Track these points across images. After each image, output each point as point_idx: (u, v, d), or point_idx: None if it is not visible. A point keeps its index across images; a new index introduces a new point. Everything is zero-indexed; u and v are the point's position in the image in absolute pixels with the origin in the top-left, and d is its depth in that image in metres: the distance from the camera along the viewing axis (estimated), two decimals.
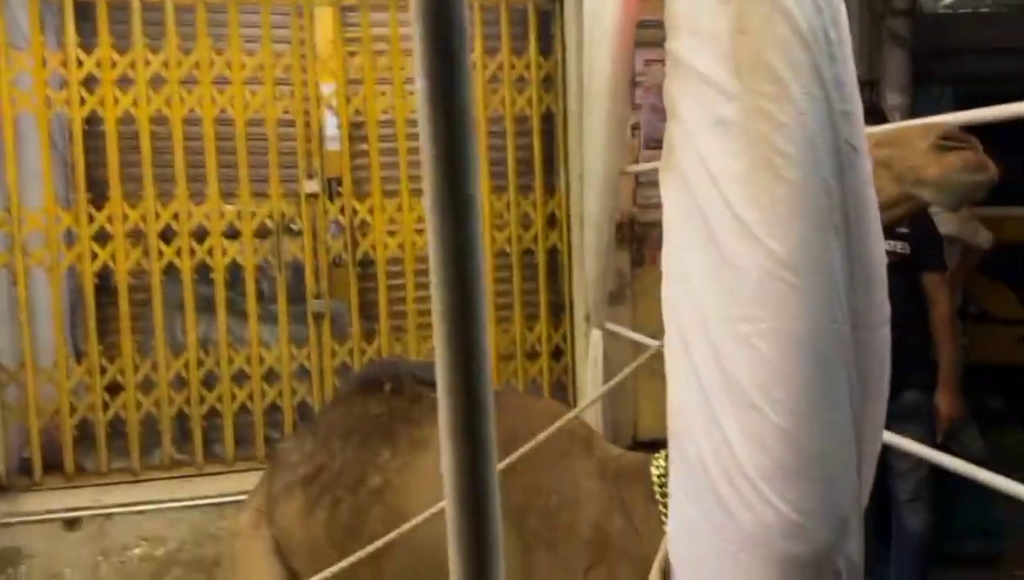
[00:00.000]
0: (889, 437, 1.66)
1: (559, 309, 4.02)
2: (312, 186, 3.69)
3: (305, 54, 3.67)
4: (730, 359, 0.98)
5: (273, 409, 3.72)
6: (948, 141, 1.47)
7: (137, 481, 3.55)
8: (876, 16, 3.83)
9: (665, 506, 1.87)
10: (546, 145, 3.96)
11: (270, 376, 3.71)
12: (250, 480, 3.54)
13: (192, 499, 3.37)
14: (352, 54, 3.74)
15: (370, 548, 1.61)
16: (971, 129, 1.56)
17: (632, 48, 3.11)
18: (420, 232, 3.81)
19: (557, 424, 1.84)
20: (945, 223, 3.05)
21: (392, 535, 1.67)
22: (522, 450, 1.76)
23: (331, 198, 3.76)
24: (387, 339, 3.79)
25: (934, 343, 2.96)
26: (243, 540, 2.48)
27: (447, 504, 0.48)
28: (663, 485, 1.89)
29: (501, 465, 1.80)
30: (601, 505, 1.93)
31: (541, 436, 1.79)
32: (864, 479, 1.04)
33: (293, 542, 2.38)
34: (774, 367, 0.94)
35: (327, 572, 1.42)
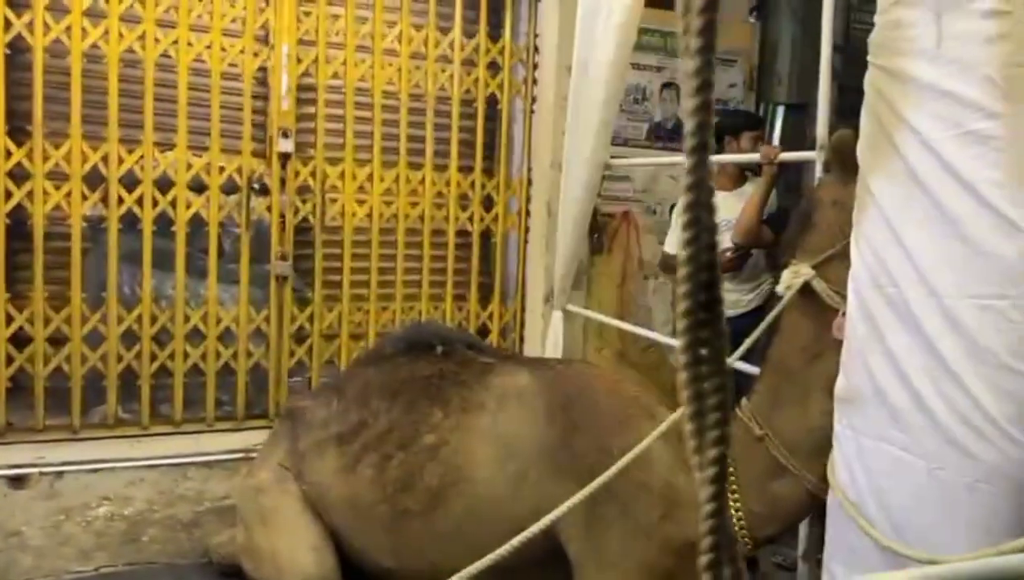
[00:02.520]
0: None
1: (506, 290, 4.17)
2: (286, 145, 3.61)
3: (278, 12, 3.59)
4: (975, 328, 1.22)
5: (225, 370, 3.62)
6: None
7: (76, 439, 3.34)
8: (815, 51, 4.30)
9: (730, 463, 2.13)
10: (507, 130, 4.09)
11: (225, 337, 3.61)
12: (203, 442, 3.47)
13: (148, 459, 3.23)
14: (335, 17, 3.70)
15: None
16: None
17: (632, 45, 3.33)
18: (388, 203, 3.84)
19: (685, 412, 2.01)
20: None
21: None
22: (644, 443, 1.92)
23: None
24: (348, 307, 3.79)
25: None
26: (271, 496, 2.48)
27: None
28: None
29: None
30: (668, 462, 2.15)
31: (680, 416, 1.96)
32: None
33: (329, 497, 2.42)
34: None
35: None
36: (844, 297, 1.82)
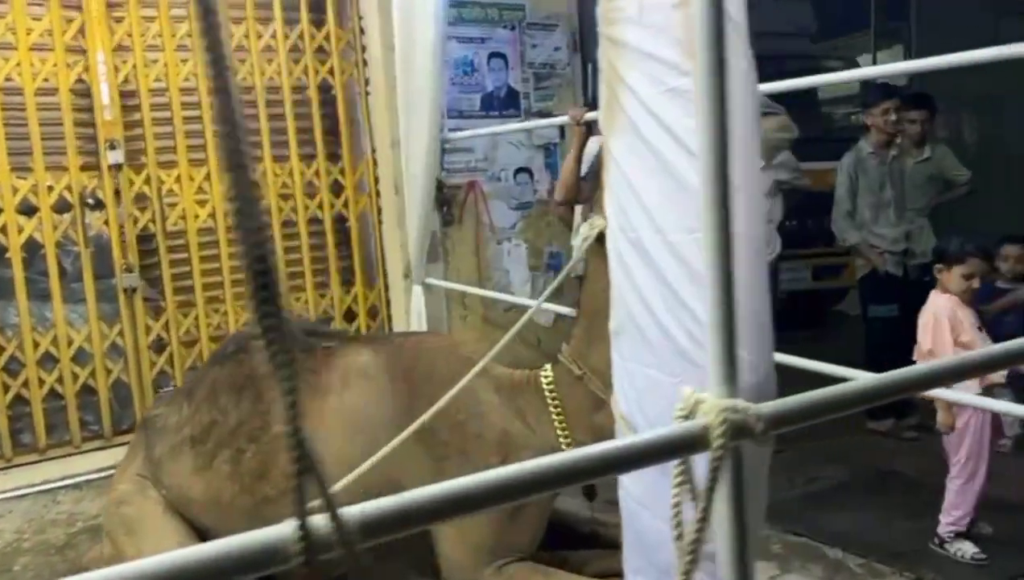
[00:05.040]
0: None
1: (370, 271, 4.25)
2: (115, 157, 3.56)
3: (94, 20, 3.52)
4: (693, 258, 1.39)
5: (86, 391, 3.58)
6: (764, 108, 2.02)
7: None
8: None
9: (555, 407, 2.31)
10: (348, 114, 4.14)
11: (80, 357, 3.56)
12: (71, 464, 3.44)
13: (14, 490, 3.19)
14: (148, 19, 3.64)
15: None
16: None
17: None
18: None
19: (480, 364, 2.15)
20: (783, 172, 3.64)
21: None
22: (452, 391, 2.06)
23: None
24: (204, 311, 3.79)
25: None
26: (133, 506, 2.51)
27: None
28: (551, 391, 2.32)
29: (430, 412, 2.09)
30: (502, 413, 2.31)
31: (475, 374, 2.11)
32: None
33: (190, 497, 2.47)
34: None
35: None
36: None
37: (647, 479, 1.56)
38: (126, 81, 3.61)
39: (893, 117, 3.64)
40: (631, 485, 1.62)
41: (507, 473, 0.68)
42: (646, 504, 1.58)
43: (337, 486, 1.81)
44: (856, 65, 6.91)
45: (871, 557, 2.48)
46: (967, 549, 2.82)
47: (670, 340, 1.45)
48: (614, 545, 2.55)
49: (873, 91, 3.90)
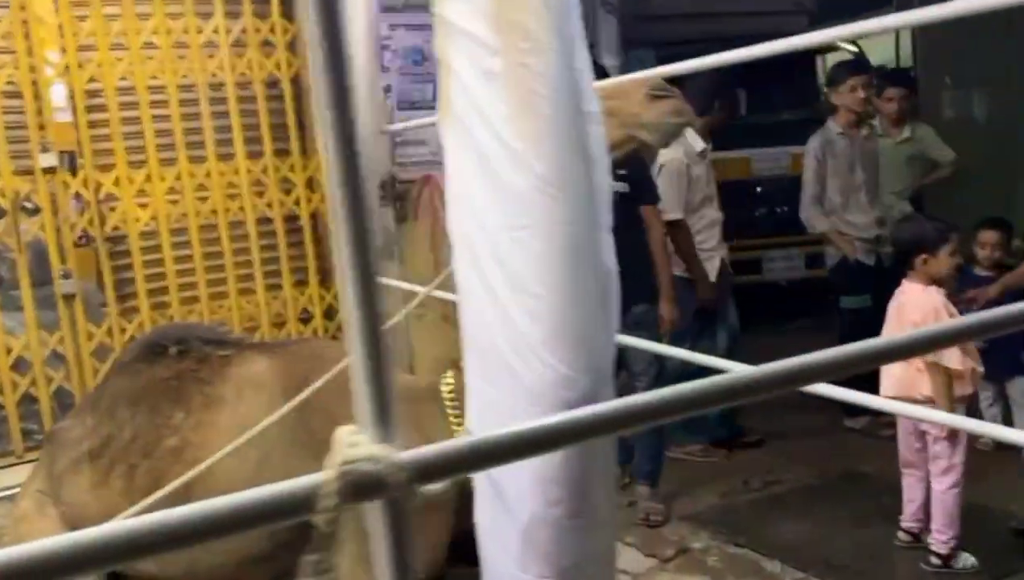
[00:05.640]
0: (629, 340, 2.03)
1: (326, 270, 4.12)
2: (48, 160, 3.47)
3: (27, 19, 3.42)
4: (510, 258, 1.24)
5: (28, 399, 3.51)
6: (658, 91, 1.84)
7: None
8: None
9: (455, 417, 2.16)
10: (298, 109, 4.01)
11: (20, 365, 3.49)
12: (13, 475, 3.36)
13: None
14: (81, 19, 3.54)
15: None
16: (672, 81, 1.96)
17: (375, 13, 3.29)
18: (174, 202, 3.73)
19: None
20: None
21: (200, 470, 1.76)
22: (315, 386, 1.92)
23: (73, 173, 3.55)
24: (149, 315, 3.69)
25: (652, 264, 3.32)
26: (29, 523, 2.41)
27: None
28: (452, 400, 2.17)
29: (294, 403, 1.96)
30: (400, 425, 2.17)
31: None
32: (611, 347, 1.37)
33: (88, 515, 2.37)
34: (544, 259, 1.22)
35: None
36: None
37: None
38: (61, 82, 3.52)
39: (862, 94, 3.40)
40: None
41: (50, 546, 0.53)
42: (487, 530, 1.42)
43: (159, 493, 1.65)
44: (862, 48, 6.61)
45: (811, 571, 2.30)
46: (971, 559, 2.63)
47: (496, 351, 1.29)
48: None
49: (840, 68, 3.67)
